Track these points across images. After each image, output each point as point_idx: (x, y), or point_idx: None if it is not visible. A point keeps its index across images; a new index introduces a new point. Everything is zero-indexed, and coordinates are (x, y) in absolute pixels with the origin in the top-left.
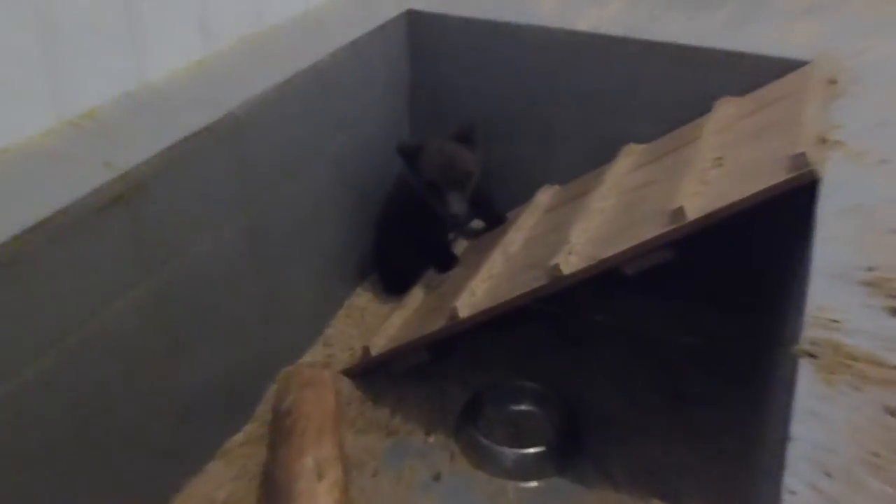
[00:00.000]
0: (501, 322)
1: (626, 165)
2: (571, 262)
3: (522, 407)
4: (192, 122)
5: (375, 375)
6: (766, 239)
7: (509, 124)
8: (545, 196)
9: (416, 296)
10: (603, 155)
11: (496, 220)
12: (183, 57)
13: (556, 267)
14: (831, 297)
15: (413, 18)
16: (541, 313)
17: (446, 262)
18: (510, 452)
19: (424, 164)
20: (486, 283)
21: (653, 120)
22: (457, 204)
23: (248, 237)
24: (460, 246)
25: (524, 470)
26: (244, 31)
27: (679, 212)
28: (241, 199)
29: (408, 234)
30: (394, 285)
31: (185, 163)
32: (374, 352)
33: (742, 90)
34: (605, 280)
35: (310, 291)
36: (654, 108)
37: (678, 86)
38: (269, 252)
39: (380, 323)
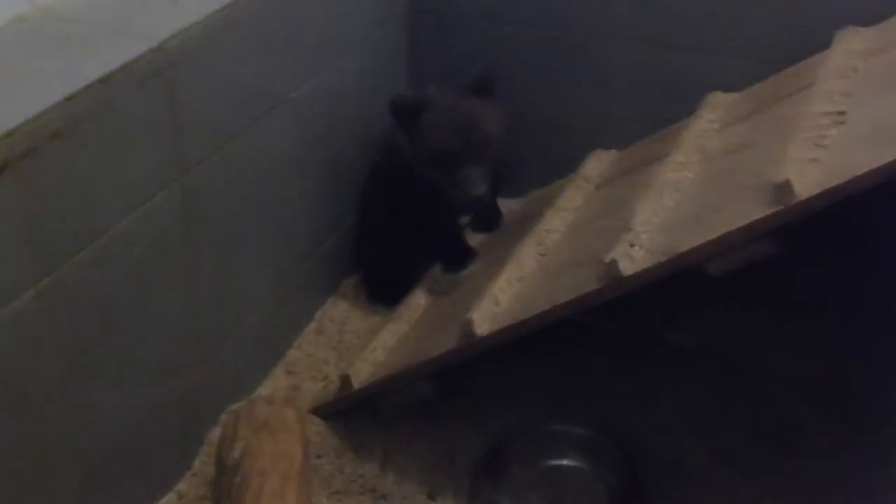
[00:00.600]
0: (535, 342)
1: (711, 122)
2: (636, 257)
3: (564, 461)
4: (103, 60)
5: (359, 416)
6: None
7: (545, 66)
8: (597, 164)
9: (416, 304)
10: (677, 108)
11: (487, 220)
12: None
13: (614, 265)
14: None
15: None
16: (590, 329)
17: (459, 256)
18: None
19: (430, 127)
20: (513, 287)
21: (747, 58)
22: (477, 182)
23: (181, 218)
24: (472, 239)
25: None
26: None
27: (786, 187)
28: (171, 166)
29: (400, 222)
30: (382, 292)
31: (93, 117)
32: (356, 383)
33: (872, 17)
34: (681, 283)
35: (266, 296)
36: (749, 42)
37: (782, 10)
38: (209, 239)
39: (364, 342)
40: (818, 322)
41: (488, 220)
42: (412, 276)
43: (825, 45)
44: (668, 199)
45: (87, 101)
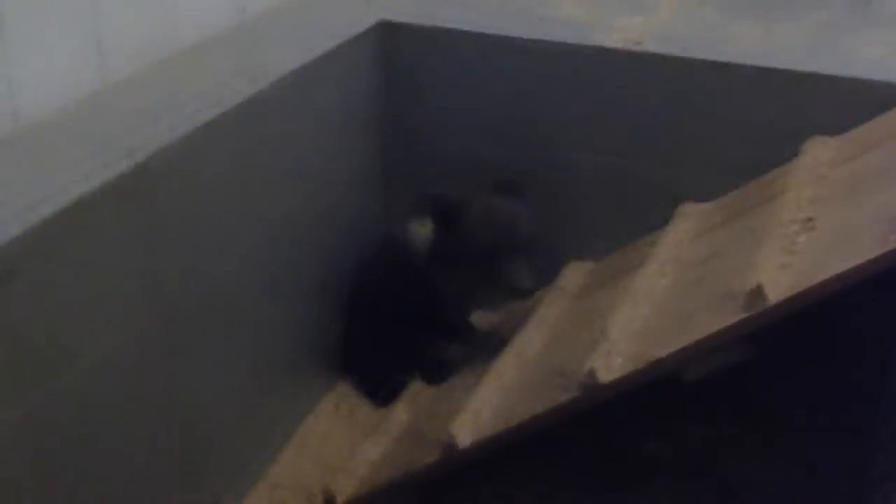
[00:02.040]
0: (518, 454)
1: (684, 232)
2: (612, 365)
3: None
4: (82, 177)
5: None
6: (885, 333)
7: (518, 175)
8: (574, 276)
9: (397, 419)
10: (650, 218)
11: (465, 332)
12: (72, 87)
13: (593, 373)
14: None
15: (387, 32)
16: (575, 442)
17: (438, 368)
18: None
19: (476, 224)
20: (493, 398)
21: (718, 169)
22: (527, 275)
23: (157, 336)
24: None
25: None
26: (153, 52)
27: (758, 292)
28: (147, 283)
29: (400, 322)
30: (379, 390)
31: (68, 234)
32: (340, 499)
33: (839, 128)
34: (664, 393)
35: (246, 411)
36: (721, 153)
37: (752, 122)
38: (186, 356)
39: (347, 456)
40: (794, 433)
41: (464, 332)
42: (404, 374)
43: (793, 154)
44: (644, 308)
45: (66, 221)
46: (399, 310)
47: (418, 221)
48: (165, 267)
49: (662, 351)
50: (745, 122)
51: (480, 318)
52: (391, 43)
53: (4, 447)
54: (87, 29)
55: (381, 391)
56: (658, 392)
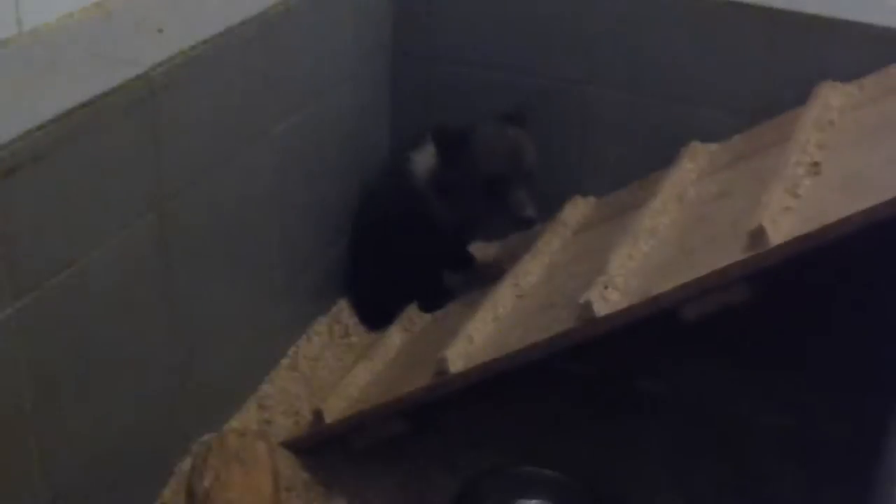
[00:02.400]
0: (509, 383)
1: (690, 171)
2: (610, 299)
3: (534, 502)
4: (88, 85)
5: (330, 451)
6: (886, 283)
7: (526, 106)
8: (576, 211)
9: (390, 343)
10: (657, 156)
11: (461, 261)
12: None
13: (589, 305)
14: None
15: None
16: (564, 373)
17: (436, 296)
18: None
19: (481, 153)
20: (488, 326)
21: (728, 109)
22: (529, 204)
23: (156, 247)
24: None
25: None
26: None
27: (759, 233)
28: (151, 193)
29: (399, 250)
30: (376, 316)
31: (75, 141)
32: (328, 418)
33: (851, 73)
34: (656, 329)
35: (241, 329)
36: (730, 94)
37: (763, 64)
38: (184, 269)
39: (338, 378)
40: (789, 374)
41: (463, 261)
42: (402, 301)
43: (803, 98)
44: (644, 245)
45: (69, 125)
46: (399, 236)
47: (421, 151)
48: (168, 177)
49: (661, 287)
50: (757, 64)
51: (479, 249)
52: None
53: (6, 339)
54: None
55: (376, 315)
56: (654, 329)
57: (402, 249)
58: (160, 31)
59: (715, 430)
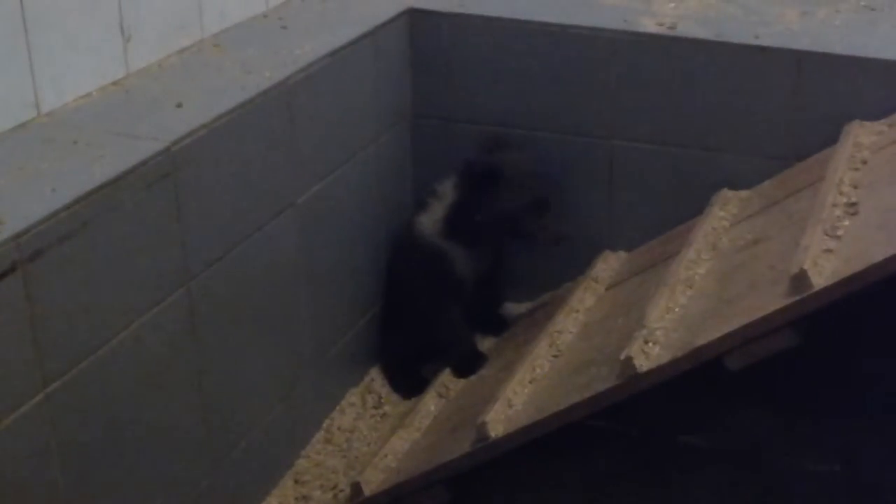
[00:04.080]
0: (551, 446)
1: (723, 219)
2: (651, 353)
3: None
4: (111, 163)
5: None
6: None
7: (551, 161)
8: (607, 266)
9: (426, 410)
10: (687, 207)
11: (494, 324)
12: (96, 76)
13: (630, 361)
14: None
15: (416, 20)
16: (606, 432)
17: (470, 360)
18: None
19: (513, 184)
20: (527, 388)
21: (757, 154)
22: (562, 221)
23: (189, 324)
24: (482, 344)
25: None
26: (178, 40)
27: (802, 276)
28: (179, 270)
29: (418, 311)
30: (409, 383)
31: (101, 219)
32: (367, 490)
33: (880, 111)
34: (700, 382)
35: (274, 404)
36: (758, 140)
37: (792, 107)
38: (217, 345)
39: (374, 449)
40: (841, 421)
41: (496, 324)
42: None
43: (834, 139)
44: (682, 296)
45: (95, 203)
46: (421, 297)
47: (426, 210)
48: (193, 252)
49: (703, 338)
50: (784, 107)
51: (511, 309)
52: (419, 29)
53: (38, 424)
54: (110, 17)
55: (409, 382)
56: (696, 381)
57: (427, 311)
58: (179, 105)
59: (762, 482)
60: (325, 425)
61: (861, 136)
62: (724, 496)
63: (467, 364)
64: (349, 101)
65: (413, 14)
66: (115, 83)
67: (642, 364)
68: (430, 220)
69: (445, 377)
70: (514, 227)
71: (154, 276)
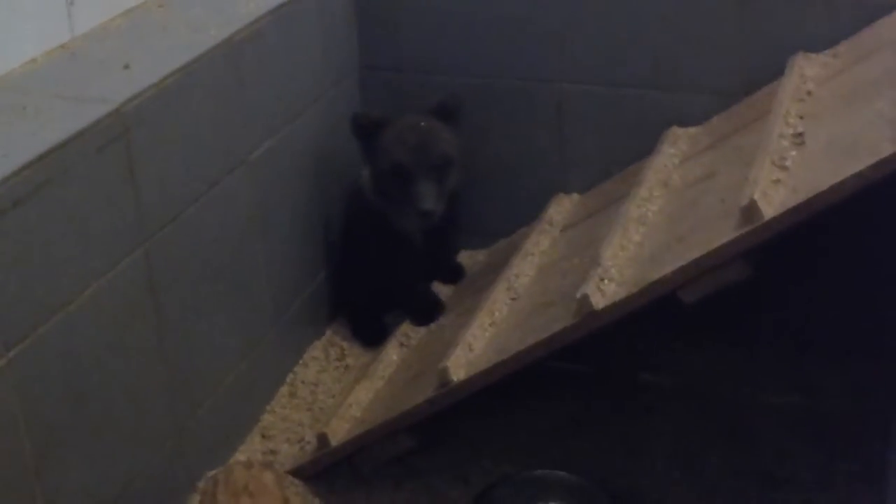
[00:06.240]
0: (512, 388)
1: (673, 156)
2: (607, 290)
3: None
4: (60, 126)
5: (339, 476)
6: (887, 250)
7: (500, 114)
8: (560, 208)
9: (388, 360)
10: (637, 146)
11: (450, 272)
12: (41, 41)
13: (586, 299)
14: None
15: None
16: (567, 374)
17: (428, 309)
18: None
19: (388, 143)
20: (486, 332)
21: (705, 91)
22: (430, 197)
23: (144, 284)
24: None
25: None
26: (122, 1)
27: (752, 208)
28: (133, 231)
29: (370, 264)
30: (371, 333)
31: (52, 184)
32: (333, 441)
33: (825, 41)
34: (656, 319)
35: (237, 360)
36: (707, 75)
37: (738, 41)
38: (176, 305)
39: (338, 401)
40: (796, 354)
41: (453, 272)
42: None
43: (779, 71)
44: (635, 234)
45: (47, 167)
46: (370, 251)
47: (365, 167)
48: (148, 213)
49: (658, 273)
50: (730, 42)
51: (468, 257)
52: None
53: (2, 392)
54: None
55: (373, 332)
56: (653, 321)
57: (379, 263)
58: (127, 67)
59: (724, 416)
60: (288, 380)
61: (806, 67)
62: (688, 432)
63: (425, 312)
64: (297, 57)
65: None
66: (61, 47)
67: (598, 301)
68: (367, 176)
69: (406, 326)
70: (390, 192)
71: (110, 238)
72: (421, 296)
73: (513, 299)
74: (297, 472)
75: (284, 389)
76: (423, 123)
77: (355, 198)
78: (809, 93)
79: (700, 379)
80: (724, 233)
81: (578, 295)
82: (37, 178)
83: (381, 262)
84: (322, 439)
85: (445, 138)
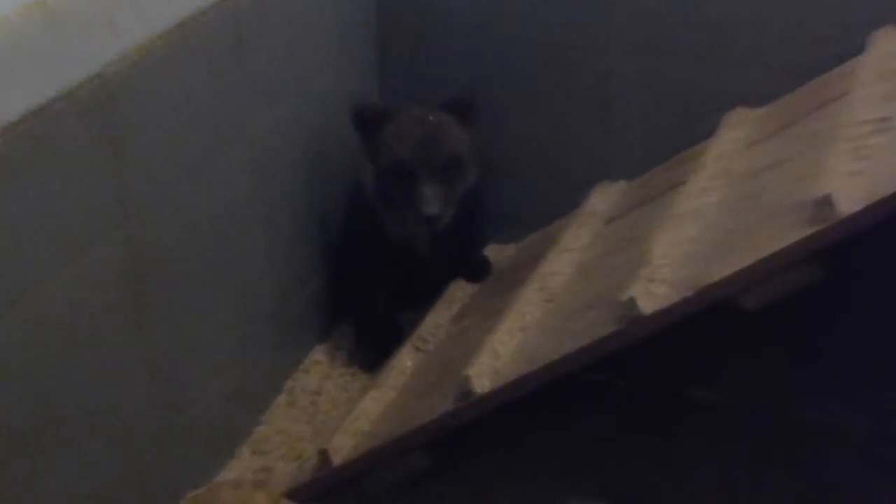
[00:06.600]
0: (543, 401)
1: (736, 140)
2: (657, 293)
3: None
4: (33, 92)
5: (342, 498)
6: None
7: (536, 88)
8: (604, 198)
9: (402, 367)
10: (693, 128)
11: (475, 268)
12: None
13: (633, 303)
14: None
15: None
16: (606, 386)
17: (380, 333)
18: None
19: (391, 138)
20: (515, 338)
21: (771, 67)
22: (435, 201)
23: (125, 273)
24: (464, 289)
25: None
26: None
27: (826, 202)
28: (114, 212)
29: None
30: (378, 336)
31: (26, 153)
32: (336, 459)
33: None
34: (710, 326)
35: (228, 364)
36: (772, 48)
37: (811, 12)
38: (160, 299)
39: (344, 413)
40: (866, 371)
41: (478, 268)
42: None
43: (859, 48)
44: (691, 228)
45: (17, 138)
46: (368, 260)
47: (368, 162)
48: (133, 191)
49: (716, 275)
50: (800, 12)
51: (495, 251)
52: None
53: None
54: None
55: (380, 337)
56: (705, 328)
57: (367, 271)
58: (111, 25)
59: (782, 440)
60: (287, 387)
61: (890, 44)
62: (741, 457)
63: (376, 338)
64: (305, 18)
65: None
66: (38, 3)
67: (646, 306)
68: (369, 173)
69: (423, 328)
70: (392, 193)
71: (87, 220)
72: (378, 322)
73: (547, 301)
74: (294, 494)
75: (282, 398)
76: (431, 118)
77: (355, 194)
78: (894, 71)
79: (757, 397)
80: (793, 230)
81: (623, 298)
82: (7, 149)
83: (369, 270)
84: (323, 456)
85: (455, 135)
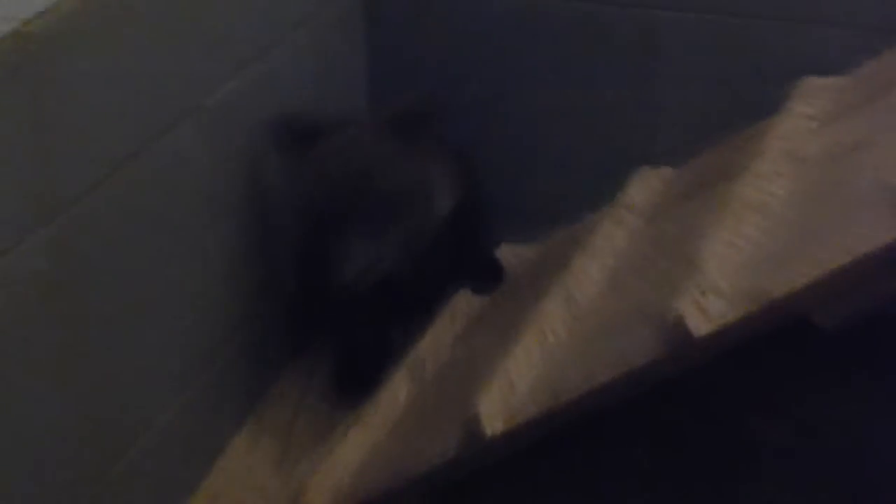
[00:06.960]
0: (571, 441)
1: (807, 118)
2: (710, 309)
3: None
4: None
5: None
6: None
7: (565, 50)
8: (645, 187)
9: (392, 399)
10: (755, 100)
11: (483, 275)
12: None
13: (681, 321)
14: None
15: None
16: (649, 419)
17: (362, 358)
18: None
19: (311, 172)
20: (535, 363)
21: (853, 26)
22: (352, 260)
23: (48, 278)
24: (471, 303)
25: None
26: None
27: None
28: (36, 202)
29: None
30: (357, 363)
31: None
32: None
33: None
34: (776, 346)
35: (175, 392)
36: (855, 3)
37: None
38: (90, 310)
39: (320, 457)
40: None
41: (487, 273)
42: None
43: None
44: (752, 227)
45: None
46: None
47: None
48: (61, 174)
49: (784, 286)
50: None
51: (509, 253)
52: None
53: None
54: None
55: (366, 361)
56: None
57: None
58: None
59: (859, 479)
60: (249, 423)
61: None
62: (811, 499)
63: (353, 379)
64: None
65: None
66: None
67: (698, 325)
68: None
69: (420, 348)
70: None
71: (3, 209)
72: (362, 340)
73: (574, 317)
74: None
75: (242, 438)
76: (370, 143)
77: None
78: None
79: (832, 429)
80: (883, 230)
81: (671, 315)
82: None
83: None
84: None
85: (401, 169)
